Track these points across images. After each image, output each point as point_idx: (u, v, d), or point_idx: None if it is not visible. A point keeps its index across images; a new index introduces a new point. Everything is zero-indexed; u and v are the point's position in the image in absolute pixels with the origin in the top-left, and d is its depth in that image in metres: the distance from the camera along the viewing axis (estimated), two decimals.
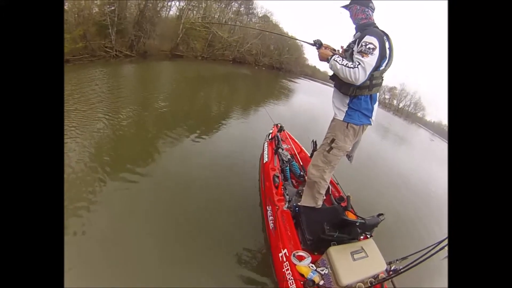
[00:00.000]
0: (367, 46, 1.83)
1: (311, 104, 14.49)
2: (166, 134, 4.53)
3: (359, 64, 1.82)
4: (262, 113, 8.24)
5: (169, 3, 15.70)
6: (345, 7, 2.17)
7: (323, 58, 2.08)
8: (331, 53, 2.03)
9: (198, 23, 17.16)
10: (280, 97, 13.57)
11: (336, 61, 1.92)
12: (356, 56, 1.88)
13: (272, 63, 30.31)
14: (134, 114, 5.03)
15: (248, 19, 25.83)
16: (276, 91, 15.69)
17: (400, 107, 59.32)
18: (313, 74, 49.03)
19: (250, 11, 25.57)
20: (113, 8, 10.65)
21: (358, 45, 1.92)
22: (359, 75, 1.82)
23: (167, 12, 16.30)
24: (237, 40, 21.86)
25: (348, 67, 1.85)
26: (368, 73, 1.84)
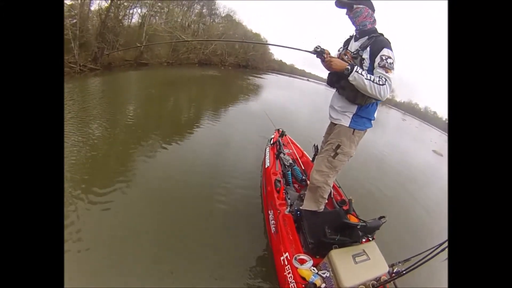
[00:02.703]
0: (388, 61, 1.80)
1: (280, 98, 15.01)
2: (147, 143, 4.44)
3: (386, 81, 1.78)
4: (236, 112, 8.56)
5: (130, 11, 15.40)
6: (343, 5, 2.04)
7: (337, 68, 1.90)
8: (347, 64, 1.87)
9: (161, 28, 16.91)
10: (249, 94, 13.78)
11: (361, 75, 1.80)
12: (380, 71, 1.81)
13: (238, 61, 30.40)
14: (105, 129, 4.78)
15: (211, 20, 25.77)
16: (244, 88, 15.88)
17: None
18: (280, 68, 50.42)
19: (213, 12, 25.52)
20: (74, 21, 10.32)
21: (371, 55, 1.88)
22: (387, 92, 1.79)
23: (129, 21, 15.98)
24: (201, 42, 21.77)
25: (378, 84, 1.77)
26: (391, 89, 1.83)
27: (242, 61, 31.49)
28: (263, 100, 13.13)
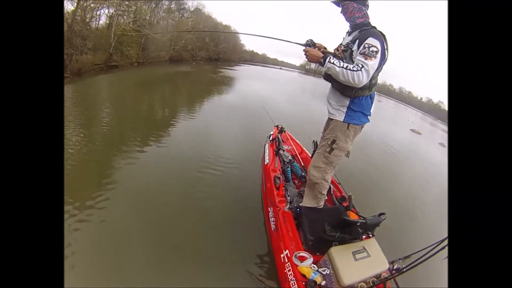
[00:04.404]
0: (371, 49, 1.80)
1: (254, 88, 15.04)
2: (127, 147, 4.33)
3: (363, 67, 1.79)
4: (212, 106, 8.51)
5: (98, 12, 14.83)
6: (336, 3, 2.10)
7: (313, 59, 2.00)
8: (322, 54, 1.96)
9: (130, 28, 16.40)
10: (222, 87, 13.82)
11: (333, 63, 1.85)
12: (359, 58, 1.83)
13: (209, 55, 30.35)
14: (82, 136, 4.49)
15: (180, 15, 25.48)
16: (217, 81, 15.93)
17: None
18: (252, 59, 51.77)
19: (181, 7, 25.17)
20: None
21: (359, 46, 1.88)
22: (363, 78, 1.79)
23: (96, 23, 15.44)
24: (171, 38, 21.26)
25: (350, 70, 1.80)
26: (370, 76, 1.83)
27: (213, 54, 31.46)
28: (238, 92, 13.32)
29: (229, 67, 26.50)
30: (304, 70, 67.26)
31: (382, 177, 5.60)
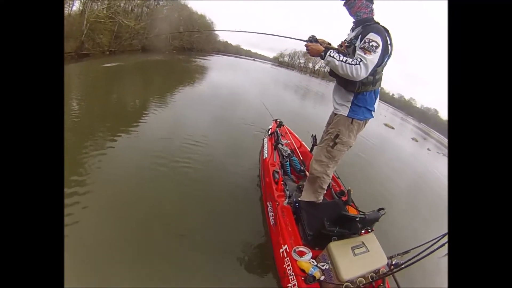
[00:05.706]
0: (371, 44, 1.80)
1: (226, 79, 15.24)
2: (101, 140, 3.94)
3: (361, 61, 1.79)
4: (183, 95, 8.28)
5: None
6: None
7: (314, 53, 2.02)
8: (324, 48, 1.97)
9: (103, 14, 15.82)
10: (195, 76, 13.78)
11: (333, 57, 1.86)
12: (359, 52, 1.83)
13: (183, 44, 30.22)
14: None
15: (156, 3, 24.68)
16: (190, 71, 15.93)
17: (316, 68, 66.19)
18: (225, 50, 52.65)
19: None
20: None
21: (361, 41, 1.87)
22: (361, 72, 1.79)
23: (69, 9, 14.68)
24: (145, 26, 20.83)
25: (349, 63, 1.81)
26: (369, 70, 1.82)
27: (187, 44, 31.35)
28: (211, 81, 13.28)
29: (203, 57, 26.61)
30: (277, 62, 68.91)
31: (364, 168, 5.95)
